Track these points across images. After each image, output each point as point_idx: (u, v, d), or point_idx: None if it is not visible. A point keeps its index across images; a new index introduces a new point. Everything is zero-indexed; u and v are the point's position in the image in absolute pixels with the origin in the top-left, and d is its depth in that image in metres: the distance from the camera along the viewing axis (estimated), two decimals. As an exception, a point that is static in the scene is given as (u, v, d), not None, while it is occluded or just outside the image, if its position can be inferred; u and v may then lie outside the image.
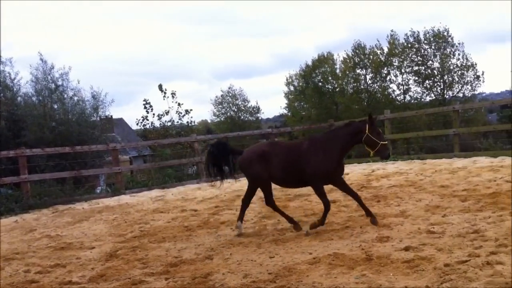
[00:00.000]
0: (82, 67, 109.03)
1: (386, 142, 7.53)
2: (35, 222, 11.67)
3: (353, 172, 14.87)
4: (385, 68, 45.35)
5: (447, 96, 42.86)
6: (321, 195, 7.77)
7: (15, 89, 21.10)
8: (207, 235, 8.57)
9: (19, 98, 21.21)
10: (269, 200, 8.25)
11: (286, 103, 51.36)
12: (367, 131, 7.50)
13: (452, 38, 43.74)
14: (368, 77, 46.11)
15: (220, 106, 59.42)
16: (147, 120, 21.55)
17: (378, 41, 46.73)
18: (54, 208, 13.24)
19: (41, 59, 21.19)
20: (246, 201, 8.35)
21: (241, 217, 8.29)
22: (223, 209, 10.88)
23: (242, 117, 58.53)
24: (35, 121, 19.44)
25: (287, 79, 50.92)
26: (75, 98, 21.62)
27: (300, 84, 49.57)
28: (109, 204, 13.26)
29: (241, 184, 14.81)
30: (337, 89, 47.33)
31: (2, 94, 20.51)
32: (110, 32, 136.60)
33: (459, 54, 43.58)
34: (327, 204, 7.69)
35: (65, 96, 21.47)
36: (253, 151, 8.21)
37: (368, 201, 9.69)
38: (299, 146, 7.99)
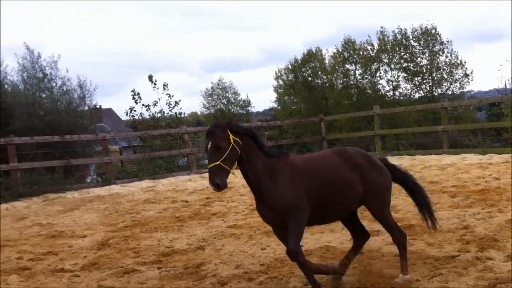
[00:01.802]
0: (68, 59, 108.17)
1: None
2: (25, 210, 11.62)
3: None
4: (375, 64, 45.42)
5: (436, 94, 43.03)
6: None
7: (1, 77, 20.75)
8: (198, 226, 8.64)
9: (5, 86, 20.85)
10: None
11: (275, 97, 51.18)
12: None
13: (440, 36, 43.91)
14: (357, 72, 46.16)
15: (210, 98, 59.23)
16: (135, 111, 21.50)
17: (369, 37, 46.84)
18: (44, 196, 13.14)
19: (27, 48, 20.69)
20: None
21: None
22: (214, 201, 10.92)
23: (232, 110, 58.34)
24: (23, 109, 19.16)
25: (276, 73, 50.70)
26: (64, 87, 21.33)
27: (289, 78, 49.46)
28: (99, 194, 13.22)
29: (230, 177, 14.85)
30: (326, 84, 47.30)
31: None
32: (93, 24, 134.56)
33: (447, 52, 43.75)
34: None
35: (54, 85, 21.16)
36: None
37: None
38: None
